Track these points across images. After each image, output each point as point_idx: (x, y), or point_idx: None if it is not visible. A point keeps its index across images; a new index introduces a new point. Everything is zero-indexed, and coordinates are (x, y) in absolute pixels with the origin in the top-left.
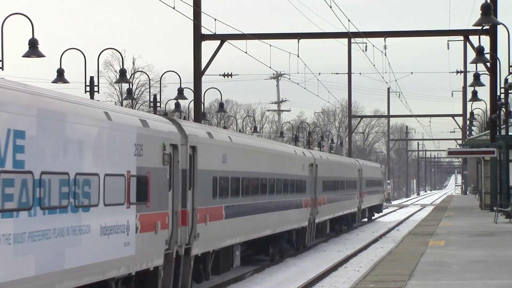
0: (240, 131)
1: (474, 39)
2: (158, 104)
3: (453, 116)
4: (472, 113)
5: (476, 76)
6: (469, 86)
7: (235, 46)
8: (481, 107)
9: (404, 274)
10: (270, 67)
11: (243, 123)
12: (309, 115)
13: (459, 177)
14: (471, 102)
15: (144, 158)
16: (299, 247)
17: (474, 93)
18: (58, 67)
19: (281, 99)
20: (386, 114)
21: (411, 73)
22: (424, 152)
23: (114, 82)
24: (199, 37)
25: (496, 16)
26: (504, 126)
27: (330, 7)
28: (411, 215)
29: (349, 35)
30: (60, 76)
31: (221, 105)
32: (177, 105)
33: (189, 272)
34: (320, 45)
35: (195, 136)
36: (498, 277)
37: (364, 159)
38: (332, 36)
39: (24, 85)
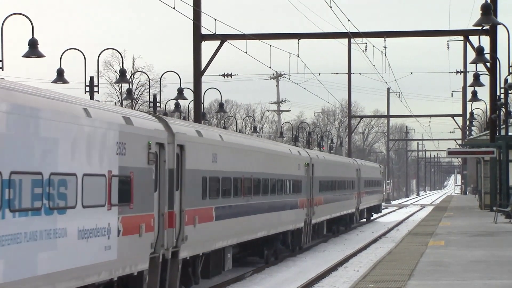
0: (240, 131)
1: (474, 39)
2: (158, 104)
3: (453, 116)
4: (472, 113)
5: (476, 76)
6: (469, 86)
7: (235, 46)
8: (481, 107)
9: (404, 274)
10: (270, 67)
11: (243, 123)
12: (309, 115)
13: (459, 177)
14: (471, 102)
15: (127, 157)
16: (294, 249)
17: (474, 93)
18: (58, 67)
19: (281, 99)
20: (386, 114)
21: (411, 73)
22: (424, 152)
23: (114, 82)
24: (199, 37)
25: (496, 16)
26: (504, 126)
27: (330, 7)
28: (411, 215)
29: (349, 35)
30: (60, 76)
31: (221, 105)
32: (177, 105)
33: (176, 276)
34: (320, 45)
35: (182, 134)
36: (498, 277)
37: (364, 159)
38: (332, 36)
39: None
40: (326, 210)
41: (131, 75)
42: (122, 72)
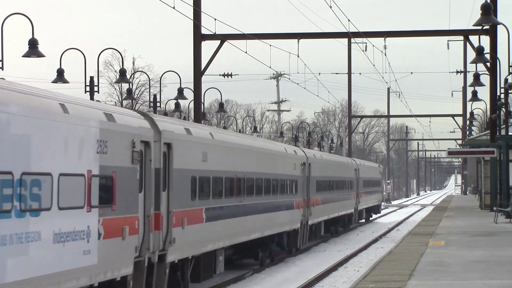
0: (240, 131)
1: (474, 39)
2: (158, 104)
3: (453, 116)
4: (472, 113)
5: (476, 76)
6: (469, 86)
7: (235, 46)
8: (481, 107)
9: (404, 274)
10: (270, 67)
11: (243, 123)
12: (309, 115)
13: (459, 177)
14: (471, 102)
15: (108, 156)
16: (291, 250)
17: (474, 93)
18: (58, 67)
19: (281, 99)
20: (386, 114)
21: (411, 73)
22: (424, 152)
23: (114, 82)
24: (199, 37)
25: (496, 16)
26: (504, 126)
27: (330, 7)
28: (411, 215)
29: (349, 35)
30: (60, 76)
31: (221, 105)
32: (177, 105)
33: (164, 281)
34: (320, 45)
35: (170, 132)
36: (498, 277)
37: (364, 159)
38: (332, 36)
39: None
40: (323, 210)
41: (131, 75)
42: (122, 72)
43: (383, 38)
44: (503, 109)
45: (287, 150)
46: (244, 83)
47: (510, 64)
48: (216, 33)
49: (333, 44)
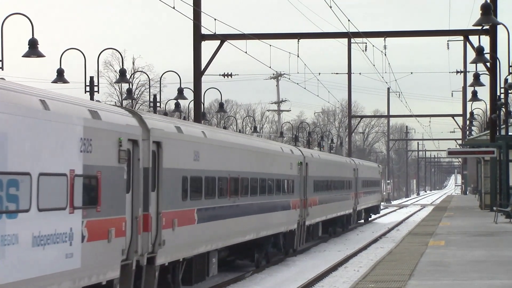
0: (240, 131)
1: (474, 39)
2: (158, 104)
3: (453, 116)
4: (472, 113)
5: (476, 76)
6: (469, 86)
7: (235, 46)
8: (481, 107)
9: (404, 274)
10: (270, 67)
11: (243, 123)
12: (309, 115)
13: (459, 177)
14: (471, 102)
15: (93, 155)
16: (287, 252)
17: (474, 93)
18: (58, 67)
19: (281, 99)
20: (386, 114)
21: (411, 73)
22: (424, 152)
23: (114, 82)
24: (199, 37)
25: (496, 16)
26: (504, 126)
27: (330, 7)
28: (411, 215)
29: (349, 35)
30: (60, 76)
31: (221, 105)
32: (177, 105)
33: (153, 284)
34: (320, 45)
35: (159, 130)
36: (498, 277)
37: (364, 159)
38: (332, 36)
39: None
40: (321, 211)
41: (131, 75)
42: (122, 72)
43: (383, 38)
44: (503, 109)
45: (283, 149)
46: (244, 83)
47: (510, 64)
48: (216, 33)
49: (333, 44)
